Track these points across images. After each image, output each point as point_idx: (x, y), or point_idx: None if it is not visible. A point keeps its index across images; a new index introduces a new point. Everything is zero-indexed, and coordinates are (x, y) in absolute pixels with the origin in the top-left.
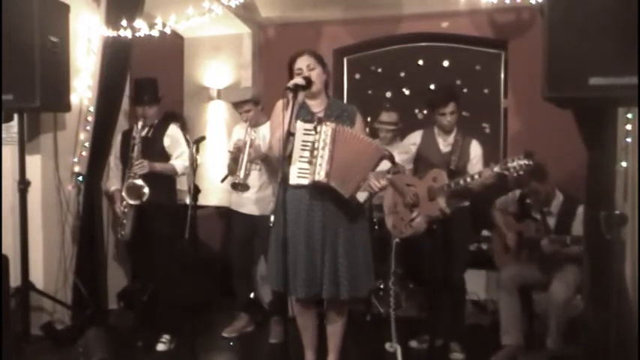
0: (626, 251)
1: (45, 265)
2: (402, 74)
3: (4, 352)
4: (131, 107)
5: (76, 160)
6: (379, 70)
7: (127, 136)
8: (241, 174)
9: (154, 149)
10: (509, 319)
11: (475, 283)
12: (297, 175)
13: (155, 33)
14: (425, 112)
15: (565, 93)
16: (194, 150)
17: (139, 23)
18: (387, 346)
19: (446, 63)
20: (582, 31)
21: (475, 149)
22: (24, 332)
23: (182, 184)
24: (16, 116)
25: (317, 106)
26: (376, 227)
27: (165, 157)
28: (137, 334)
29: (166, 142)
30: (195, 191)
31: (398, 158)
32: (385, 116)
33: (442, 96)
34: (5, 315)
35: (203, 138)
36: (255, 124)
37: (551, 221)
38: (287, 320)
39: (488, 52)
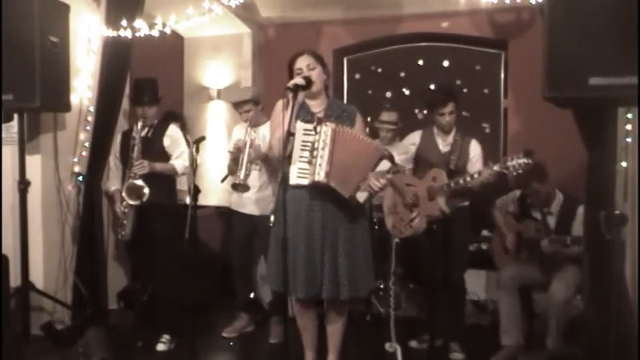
0: (626, 251)
1: (45, 265)
2: (402, 74)
3: (4, 352)
4: (131, 107)
5: (76, 160)
6: (379, 70)
7: (127, 136)
8: (241, 174)
9: (154, 149)
10: (509, 319)
11: (475, 283)
12: (297, 175)
13: (155, 33)
14: (425, 112)
15: (565, 93)
16: (194, 150)
17: (139, 23)
18: (387, 346)
19: (446, 63)
20: (582, 31)
21: (474, 149)
22: (24, 332)
23: (182, 184)
24: (16, 116)
25: (317, 106)
26: (376, 227)
27: (165, 157)
28: (137, 334)
29: (166, 142)
30: (195, 191)
31: (397, 158)
32: (385, 116)
33: (441, 96)
34: (5, 315)
35: (203, 138)
36: (255, 124)
37: (552, 221)
38: (287, 320)
39: (488, 52)
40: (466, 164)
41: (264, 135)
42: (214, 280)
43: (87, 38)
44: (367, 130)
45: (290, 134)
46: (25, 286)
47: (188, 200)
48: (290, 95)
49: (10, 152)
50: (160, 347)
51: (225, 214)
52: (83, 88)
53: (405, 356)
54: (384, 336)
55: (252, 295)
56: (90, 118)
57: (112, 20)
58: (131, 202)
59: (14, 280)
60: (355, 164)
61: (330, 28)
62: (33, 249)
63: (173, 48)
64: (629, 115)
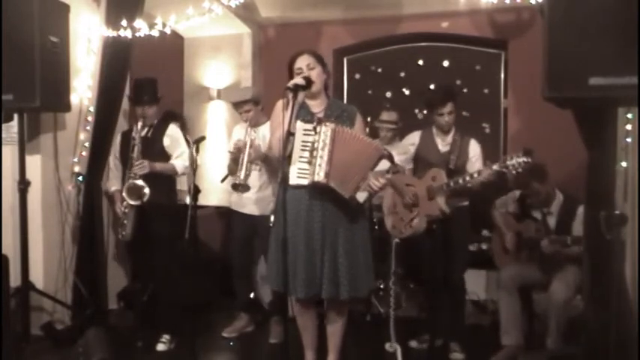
0: (626, 251)
1: (45, 265)
2: (402, 74)
3: (4, 352)
4: (131, 107)
5: (76, 160)
6: (379, 70)
7: (127, 136)
8: (242, 174)
9: (154, 149)
10: (509, 319)
11: (475, 283)
12: (297, 175)
13: (155, 33)
14: (425, 112)
15: (565, 93)
16: (194, 150)
17: (139, 23)
18: (387, 346)
19: (446, 63)
20: (582, 31)
21: (474, 148)
22: (24, 332)
23: (182, 184)
24: (16, 116)
25: (317, 106)
26: (376, 227)
27: (165, 157)
28: (137, 334)
29: (166, 142)
30: (195, 191)
31: (397, 159)
32: (385, 115)
33: (440, 96)
34: (5, 315)
35: (203, 138)
36: (255, 124)
37: (552, 221)
38: (287, 320)
39: (488, 52)
40: (465, 164)
41: (264, 135)
42: (214, 280)
43: (87, 38)
44: (367, 130)
45: (290, 134)
46: (25, 286)
47: (188, 200)
48: (290, 95)
49: (10, 152)
50: (160, 347)
51: (225, 214)
52: (83, 88)
53: (405, 356)
54: (384, 336)
55: (252, 295)
56: (90, 118)
57: (112, 20)
58: (132, 202)
59: (14, 280)
60: (355, 164)
61: (330, 28)
62: (33, 249)
63: (173, 48)
64: (629, 115)
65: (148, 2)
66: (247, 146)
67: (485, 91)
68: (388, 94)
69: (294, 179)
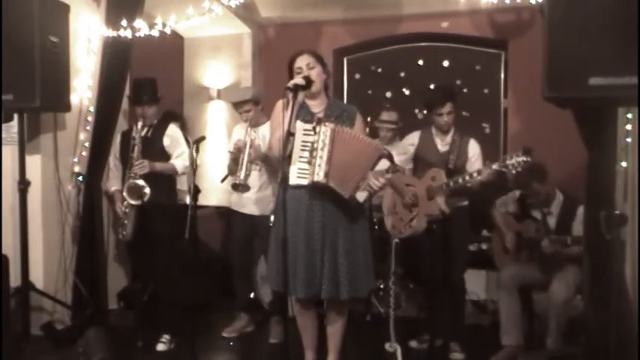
0: (626, 251)
1: (45, 265)
2: (402, 74)
3: (4, 352)
4: (131, 107)
5: (76, 160)
6: (379, 70)
7: (127, 136)
8: (242, 174)
9: (154, 149)
10: (509, 319)
11: (475, 283)
12: (297, 175)
13: (155, 33)
14: (425, 112)
15: (565, 93)
16: (194, 150)
17: (139, 23)
18: (387, 346)
19: (446, 63)
20: (582, 31)
21: (473, 148)
22: (24, 332)
23: (182, 184)
24: (16, 116)
25: (317, 106)
26: (376, 227)
27: (165, 156)
28: (137, 334)
29: (166, 141)
30: (195, 191)
31: (396, 159)
32: (385, 115)
33: (439, 96)
34: (5, 315)
35: (203, 138)
36: (255, 124)
37: (552, 221)
38: (287, 320)
39: (488, 52)
40: (465, 164)
41: (264, 135)
42: (214, 280)
43: (87, 38)
44: (367, 129)
45: (290, 134)
46: (25, 286)
47: (188, 200)
48: (290, 95)
49: (10, 152)
50: (160, 347)
51: (225, 214)
52: (83, 88)
53: (405, 356)
54: (384, 336)
55: (252, 295)
56: (90, 118)
57: (112, 20)
58: (132, 202)
59: (14, 280)
60: (354, 164)
61: (330, 28)
62: (33, 249)
63: (173, 48)
64: (629, 115)
65: (148, 2)
66: (247, 146)
67: (485, 91)
68: (388, 94)
69: (294, 179)
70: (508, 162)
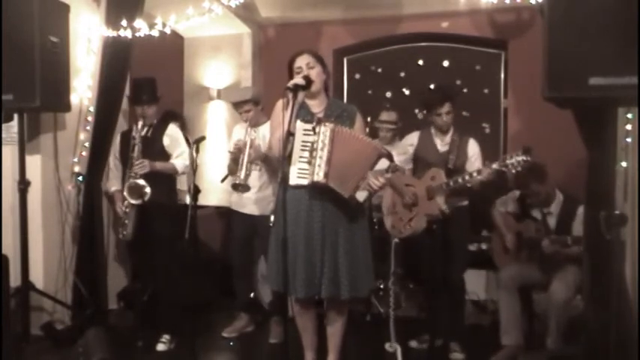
0: (626, 251)
1: (45, 265)
2: (402, 74)
3: (4, 352)
4: (131, 107)
5: (76, 160)
6: (379, 70)
7: (126, 136)
8: (242, 174)
9: (154, 149)
10: (509, 319)
11: (475, 283)
12: (297, 175)
13: (155, 33)
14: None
15: (565, 93)
16: (194, 150)
17: (139, 23)
18: (387, 346)
19: (446, 63)
20: (582, 31)
21: (473, 148)
22: (24, 332)
23: (182, 184)
24: (16, 116)
25: (317, 106)
26: (376, 227)
27: (165, 156)
28: (137, 334)
29: (166, 141)
30: (195, 191)
31: (396, 159)
32: (385, 115)
33: (437, 96)
34: (5, 315)
35: (203, 138)
36: (255, 124)
37: (552, 221)
38: (287, 320)
39: (488, 52)
40: (465, 163)
41: (264, 135)
42: (214, 280)
43: (87, 38)
44: (367, 129)
45: (290, 134)
46: (25, 286)
47: (188, 200)
48: (290, 95)
49: (10, 152)
50: (160, 347)
51: (225, 214)
52: (83, 88)
53: (405, 356)
54: (384, 336)
55: (252, 295)
56: (90, 118)
57: (112, 20)
58: (133, 202)
59: (14, 280)
60: (354, 164)
61: (330, 28)
62: (33, 249)
63: (173, 48)
64: (629, 115)
65: (148, 2)
66: (247, 146)
67: (485, 91)
68: (388, 94)
69: (294, 179)
70: (508, 161)
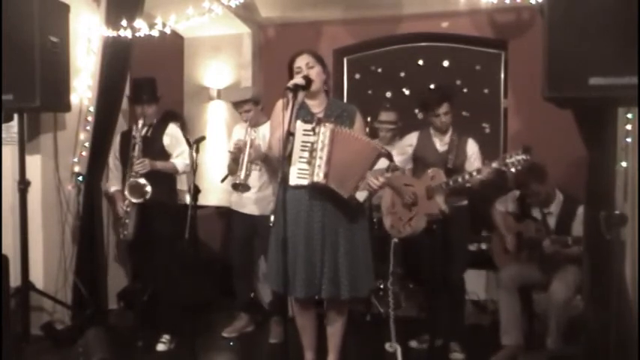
0: (626, 251)
1: (45, 265)
2: (402, 74)
3: (4, 352)
4: (130, 107)
5: (76, 160)
6: (379, 70)
7: (126, 136)
8: (242, 174)
9: (154, 148)
10: (510, 319)
11: (475, 283)
12: (297, 175)
13: (155, 33)
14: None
15: (565, 93)
16: (194, 150)
17: (139, 23)
18: (387, 346)
19: (446, 63)
20: (582, 31)
21: (472, 147)
22: (24, 332)
23: (182, 184)
24: (16, 116)
25: (317, 106)
26: (376, 227)
27: (165, 156)
28: (137, 334)
29: (166, 140)
30: (195, 191)
31: (395, 159)
32: (384, 115)
33: (435, 97)
34: (5, 315)
35: (203, 138)
36: (255, 124)
37: (552, 221)
38: (287, 320)
39: (488, 52)
40: (464, 163)
41: (264, 135)
42: (214, 280)
43: (87, 38)
44: (367, 129)
45: (290, 134)
46: (25, 286)
47: (188, 200)
48: (290, 95)
49: (10, 152)
50: (160, 347)
51: (225, 214)
52: (83, 88)
53: (405, 356)
54: (384, 336)
55: (252, 295)
56: (90, 118)
57: (112, 20)
58: (134, 200)
59: (14, 280)
60: (354, 164)
61: (330, 28)
62: (33, 249)
63: (173, 48)
64: (629, 115)
65: (148, 2)
66: (247, 146)
67: (485, 91)
68: (388, 94)
69: (294, 179)
70: (508, 160)
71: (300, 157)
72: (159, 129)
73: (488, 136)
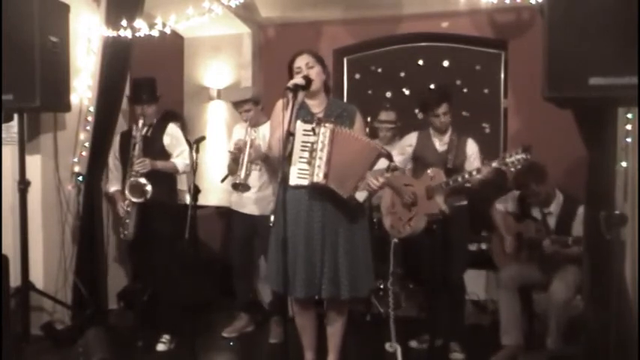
0: (626, 251)
1: (45, 265)
2: (402, 74)
3: (4, 352)
4: (130, 107)
5: (76, 160)
6: (379, 70)
7: (126, 137)
8: (242, 174)
9: (154, 148)
10: (510, 319)
11: (475, 283)
12: (297, 175)
13: (155, 33)
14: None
15: (565, 93)
16: (194, 150)
17: (139, 23)
18: (387, 346)
19: (446, 63)
20: (582, 31)
21: (471, 147)
22: (24, 332)
23: (182, 183)
24: (16, 116)
25: (317, 106)
26: (376, 227)
27: (165, 155)
28: (137, 334)
29: (166, 140)
30: (195, 191)
31: (395, 159)
32: (384, 115)
33: (434, 97)
34: (5, 315)
35: (203, 138)
36: (255, 123)
37: (552, 221)
38: (287, 320)
39: (488, 52)
40: (463, 163)
41: (265, 135)
42: (214, 280)
43: (87, 38)
44: (367, 129)
45: (290, 134)
46: (25, 286)
47: (188, 200)
48: (290, 95)
49: (10, 152)
50: (160, 347)
51: (225, 214)
52: (83, 88)
53: (405, 356)
54: (384, 336)
55: (252, 295)
56: (90, 118)
57: (112, 20)
58: (134, 200)
59: (14, 280)
60: (353, 164)
61: (330, 28)
62: (33, 249)
63: (173, 48)
64: (629, 115)
65: (148, 2)
66: (247, 146)
67: (485, 91)
68: (388, 94)
69: (294, 179)
70: (507, 160)
71: (300, 157)
72: (159, 129)
73: (488, 136)
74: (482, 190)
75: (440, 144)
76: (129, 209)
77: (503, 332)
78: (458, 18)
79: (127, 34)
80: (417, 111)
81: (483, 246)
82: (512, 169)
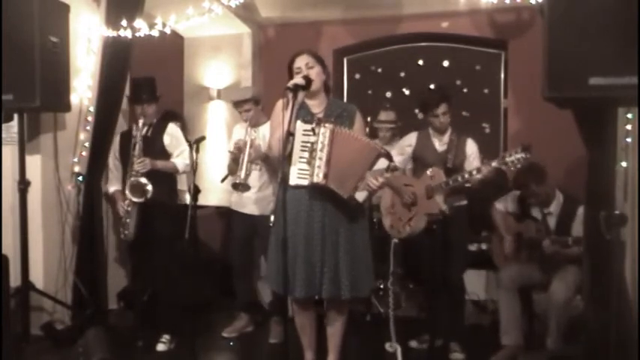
0: (626, 251)
1: (45, 265)
2: (402, 74)
3: (4, 352)
4: (130, 107)
5: (76, 160)
6: (379, 70)
7: (126, 137)
8: (242, 174)
9: (154, 148)
10: (510, 319)
11: (475, 283)
12: (297, 175)
13: (155, 33)
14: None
15: (565, 93)
16: (194, 150)
17: (139, 23)
18: (387, 346)
19: (446, 63)
20: (582, 31)
21: (471, 147)
22: (24, 332)
23: (182, 184)
24: (16, 116)
25: (317, 106)
26: (376, 227)
27: (165, 155)
28: (137, 334)
29: (166, 140)
30: (195, 191)
31: (395, 159)
32: (384, 115)
33: (433, 97)
34: (5, 315)
35: (203, 138)
36: (255, 123)
37: (552, 221)
38: (287, 320)
39: (488, 52)
40: (463, 162)
41: (265, 135)
42: (214, 280)
43: (87, 38)
44: (367, 129)
45: (290, 134)
46: (25, 286)
47: (188, 200)
48: (290, 95)
49: (10, 152)
50: (160, 347)
51: (225, 214)
52: (83, 88)
53: (405, 356)
54: (384, 336)
55: (252, 295)
56: (90, 118)
57: (112, 20)
58: (135, 200)
59: (14, 280)
60: (353, 164)
61: (330, 28)
62: (33, 249)
63: (173, 48)
64: (629, 115)
65: (148, 2)
66: (247, 146)
67: (485, 91)
68: (388, 94)
69: (294, 180)
70: (507, 159)
71: (300, 157)
72: (159, 128)
73: (488, 136)
74: (482, 190)
75: (439, 144)
76: (129, 209)
77: (503, 332)
78: (458, 18)
79: (127, 34)
80: (416, 111)
81: (483, 246)
82: (512, 169)
